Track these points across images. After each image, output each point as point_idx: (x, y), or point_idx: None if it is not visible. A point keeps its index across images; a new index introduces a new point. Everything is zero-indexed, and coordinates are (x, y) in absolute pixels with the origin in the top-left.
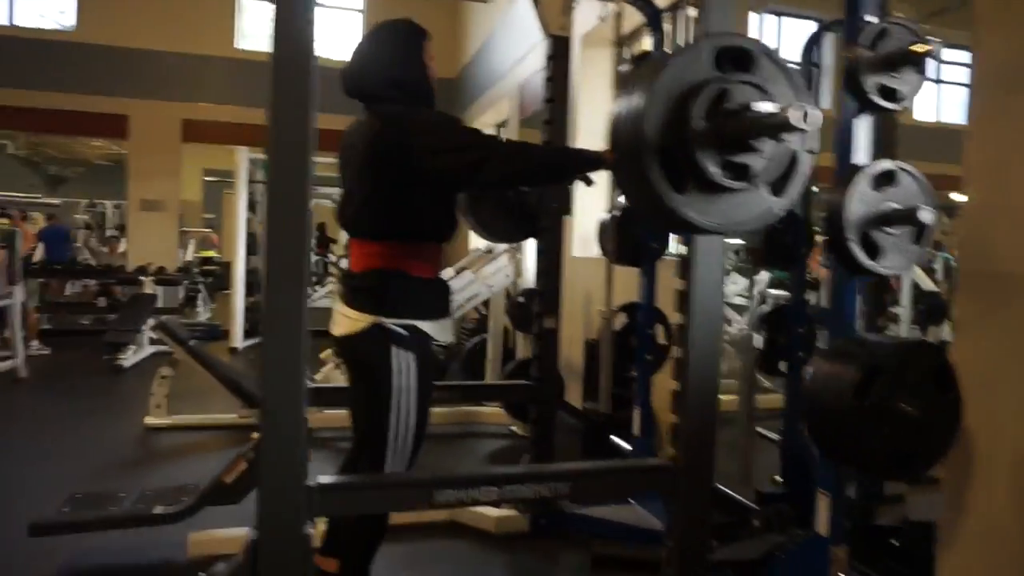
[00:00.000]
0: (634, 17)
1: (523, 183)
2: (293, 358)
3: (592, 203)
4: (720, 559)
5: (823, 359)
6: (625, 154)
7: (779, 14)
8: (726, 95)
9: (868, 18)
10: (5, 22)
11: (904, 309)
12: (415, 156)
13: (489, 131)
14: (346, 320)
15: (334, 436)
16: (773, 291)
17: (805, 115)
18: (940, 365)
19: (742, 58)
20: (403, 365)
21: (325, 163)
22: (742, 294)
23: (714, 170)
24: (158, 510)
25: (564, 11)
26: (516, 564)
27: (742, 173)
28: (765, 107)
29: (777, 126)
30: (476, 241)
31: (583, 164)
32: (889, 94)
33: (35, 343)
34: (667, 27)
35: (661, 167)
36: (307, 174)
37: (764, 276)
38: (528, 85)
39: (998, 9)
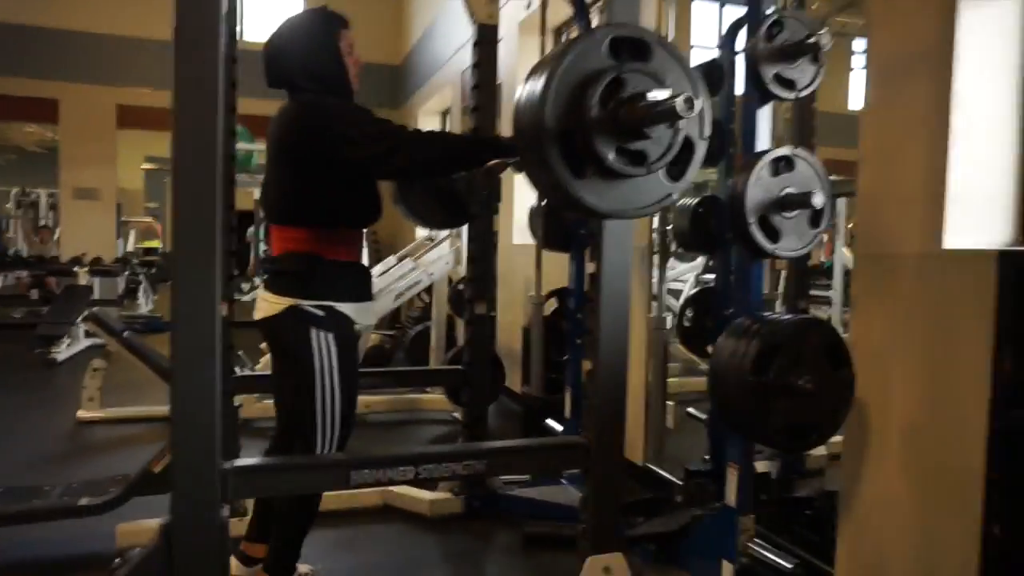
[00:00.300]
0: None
1: (435, 171)
2: (205, 339)
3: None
4: (641, 533)
5: (727, 337)
6: (527, 140)
7: (722, 3)
8: (621, 83)
9: (767, 11)
10: None
11: (836, 292)
12: (332, 145)
13: (434, 119)
14: (265, 304)
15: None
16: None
17: (689, 103)
18: (833, 342)
19: (639, 48)
20: (323, 346)
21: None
22: (678, 279)
23: (611, 156)
24: (84, 501)
25: None
26: (450, 544)
27: (638, 159)
28: (657, 95)
29: (665, 113)
30: (421, 229)
31: (495, 151)
32: (787, 84)
33: None
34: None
35: (561, 153)
36: (214, 156)
37: (699, 261)
38: (470, 72)
39: None
